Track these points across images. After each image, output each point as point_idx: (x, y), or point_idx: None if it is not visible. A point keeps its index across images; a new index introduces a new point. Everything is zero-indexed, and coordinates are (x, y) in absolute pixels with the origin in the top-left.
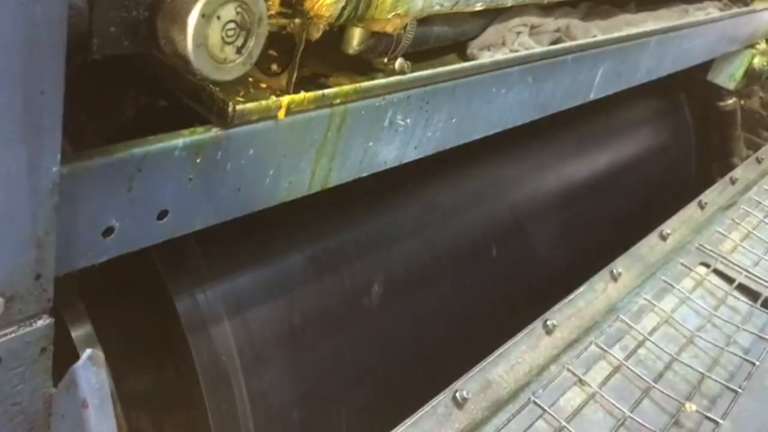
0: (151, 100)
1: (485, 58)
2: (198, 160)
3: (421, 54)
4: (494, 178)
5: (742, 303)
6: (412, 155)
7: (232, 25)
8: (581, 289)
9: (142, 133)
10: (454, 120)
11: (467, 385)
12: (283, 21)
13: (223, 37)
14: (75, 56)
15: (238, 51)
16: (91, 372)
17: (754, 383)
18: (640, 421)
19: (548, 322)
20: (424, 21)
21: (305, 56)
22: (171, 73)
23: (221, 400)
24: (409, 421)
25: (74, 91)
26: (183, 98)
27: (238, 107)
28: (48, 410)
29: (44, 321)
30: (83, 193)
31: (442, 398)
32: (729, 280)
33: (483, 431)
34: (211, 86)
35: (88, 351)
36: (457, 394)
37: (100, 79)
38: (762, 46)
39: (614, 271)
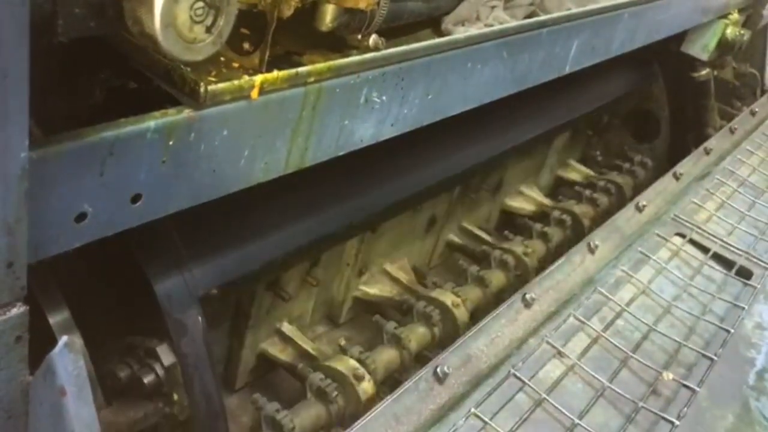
0: (121, 82)
1: (460, 33)
2: (170, 143)
3: (395, 30)
4: (469, 149)
5: (717, 272)
6: (388, 132)
7: (201, 3)
8: (559, 262)
9: (113, 116)
10: (430, 96)
11: (448, 360)
12: None
13: (191, 16)
14: (40, 38)
15: (208, 30)
16: (69, 359)
17: (729, 351)
18: (619, 391)
19: (527, 296)
20: None
21: (278, 34)
22: (141, 53)
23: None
24: (391, 398)
25: (42, 74)
26: (154, 79)
27: (210, 87)
28: (26, 398)
29: (18, 309)
30: (54, 178)
31: (424, 374)
32: (704, 249)
33: (464, 405)
34: (182, 66)
35: (65, 338)
36: (438, 369)
37: (69, 62)
38: (734, 16)
39: (591, 243)
